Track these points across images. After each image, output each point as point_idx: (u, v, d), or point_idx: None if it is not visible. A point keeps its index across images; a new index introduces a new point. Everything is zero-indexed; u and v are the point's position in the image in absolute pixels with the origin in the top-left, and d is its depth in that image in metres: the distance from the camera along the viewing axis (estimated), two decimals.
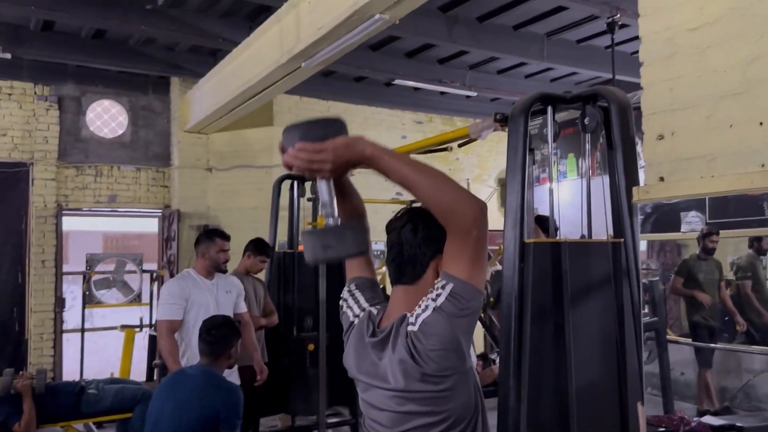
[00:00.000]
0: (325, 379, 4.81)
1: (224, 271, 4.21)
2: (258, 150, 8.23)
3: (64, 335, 7.75)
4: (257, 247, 4.91)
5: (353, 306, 1.64)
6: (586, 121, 2.86)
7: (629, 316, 2.71)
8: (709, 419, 4.22)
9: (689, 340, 7.40)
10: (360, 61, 7.31)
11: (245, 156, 8.21)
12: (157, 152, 8.32)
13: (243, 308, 4.34)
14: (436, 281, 1.42)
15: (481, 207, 1.37)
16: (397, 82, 7.97)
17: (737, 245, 8.90)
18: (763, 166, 2.00)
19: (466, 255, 1.37)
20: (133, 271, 7.93)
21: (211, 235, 4.14)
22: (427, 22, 6.25)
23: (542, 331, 2.70)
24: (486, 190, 9.73)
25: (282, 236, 5.59)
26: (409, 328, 1.40)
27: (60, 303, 7.67)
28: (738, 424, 4.24)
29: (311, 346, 4.87)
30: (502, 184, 9.25)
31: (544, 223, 5.05)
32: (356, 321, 1.60)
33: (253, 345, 4.43)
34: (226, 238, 4.11)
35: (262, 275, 5.16)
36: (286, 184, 5.46)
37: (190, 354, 3.76)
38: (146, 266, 8.03)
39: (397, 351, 1.42)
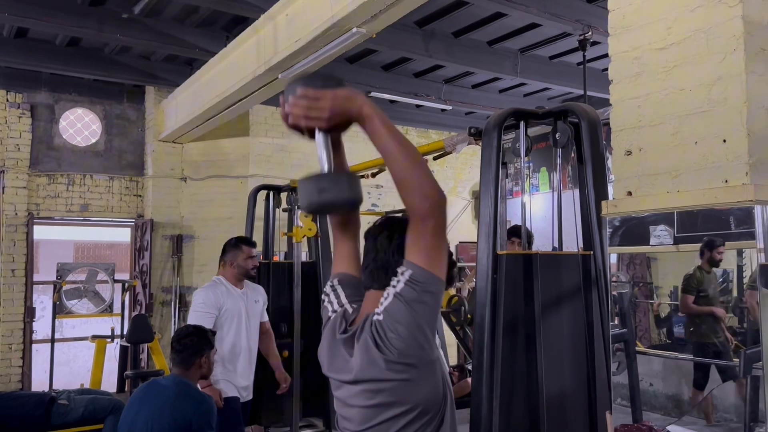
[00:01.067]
0: (299, 389, 4.80)
1: (253, 278, 4.19)
2: (234, 160, 8.21)
3: (34, 345, 7.61)
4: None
5: (333, 301, 1.65)
6: (557, 136, 2.93)
7: (598, 327, 2.77)
8: (675, 428, 4.30)
9: (658, 352, 7.51)
10: (337, 73, 7.32)
11: (220, 166, 8.19)
12: (131, 161, 8.25)
13: (266, 317, 4.36)
14: (398, 268, 1.44)
15: (442, 197, 1.40)
16: (373, 94, 7.98)
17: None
18: (726, 181, 2.06)
19: (424, 242, 1.39)
20: (105, 281, 7.82)
21: (237, 243, 4.07)
22: (403, 36, 6.32)
23: (514, 341, 2.75)
24: (460, 203, 9.82)
25: (258, 247, 5.56)
26: (374, 317, 1.42)
27: (30, 313, 7.54)
28: None
29: (285, 353, 4.84)
30: (476, 196, 9.34)
31: (519, 232, 5.10)
32: (332, 316, 1.62)
33: (274, 354, 4.45)
34: (252, 244, 4.05)
35: None
36: (262, 194, 5.45)
37: (221, 366, 3.75)
38: (118, 276, 7.93)
39: (362, 341, 1.44)
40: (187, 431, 2.99)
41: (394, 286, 1.42)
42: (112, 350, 6.84)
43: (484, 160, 2.87)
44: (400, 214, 1.54)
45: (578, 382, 2.82)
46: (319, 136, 1.44)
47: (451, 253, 1.67)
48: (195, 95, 6.92)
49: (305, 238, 4.98)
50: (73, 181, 7.89)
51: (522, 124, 2.96)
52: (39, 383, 7.52)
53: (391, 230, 1.57)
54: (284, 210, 5.51)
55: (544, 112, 2.98)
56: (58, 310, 7.60)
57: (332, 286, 1.69)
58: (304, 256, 5.11)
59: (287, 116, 1.42)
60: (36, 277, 7.84)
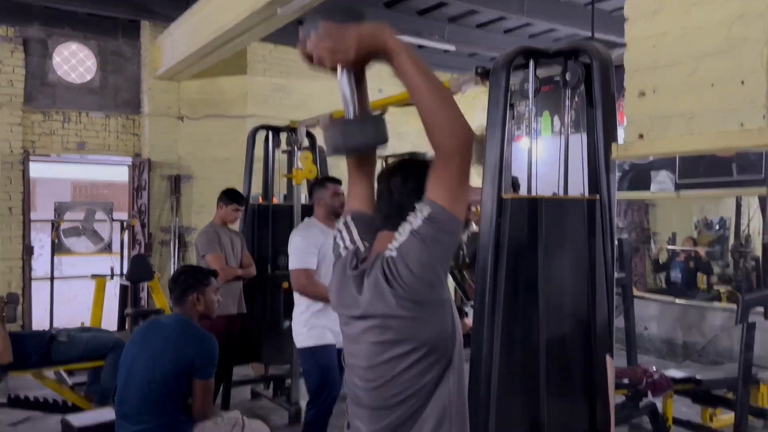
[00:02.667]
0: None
1: (339, 215, 4.17)
2: (231, 99, 8.08)
3: (33, 284, 7.63)
4: (228, 195, 4.84)
5: (345, 238, 1.59)
6: (567, 76, 2.85)
7: (602, 272, 2.75)
8: (672, 372, 4.36)
9: (655, 296, 7.58)
10: (357, 5, 7.15)
11: (218, 105, 8.05)
12: (127, 99, 8.10)
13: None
14: (417, 205, 1.39)
15: (471, 135, 1.34)
16: None
17: (702, 206, 9.05)
18: (742, 125, 2.01)
19: (447, 181, 1.34)
20: (104, 220, 7.83)
21: (323, 182, 4.02)
22: None
23: (516, 284, 2.73)
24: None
25: (257, 188, 5.53)
26: (387, 253, 1.39)
27: (28, 251, 7.53)
28: (697, 377, 4.39)
29: (285, 284, 4.83)
30: (477, 140, 9.22)
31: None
32: (344, 253, 1.57)
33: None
34: (337, 182, 3.98)
35: (236, 226, 5.12)
36: (261, 134, 5.37)
37: (318, 311, 3.67)
38: (116, 215, 7.93)
39: (372, 276, 1.41)
40: (188, 369, 3.01)
41: (411, 223, 1.37)
42: (112, 289, 6.88)
43: (491, 100, 2.79)
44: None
45: (578, 326, 2.82)
46: (342, 74, 1.39)
47: None
48: (191, 31, 6.75)
49: (305, 180, 4.92)
50: (68, 119, 7.76)
51: (531, 63, 2.87)
52: (39, 321, 7.57)
53: (405, 172, 1.53)
54: (284, 152, 5.43)
55: (555, 50, 2.88)
56: (57, 248, 7.62)
57: (345, 223, 1.62)
58: (303, 199, 5.06)
59: (308, 54, 1.36)
60: (33, 216, 7.82)
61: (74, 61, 7.86)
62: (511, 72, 2.77)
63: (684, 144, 2.16)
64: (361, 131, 1.40)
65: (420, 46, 8.31)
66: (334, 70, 1.38)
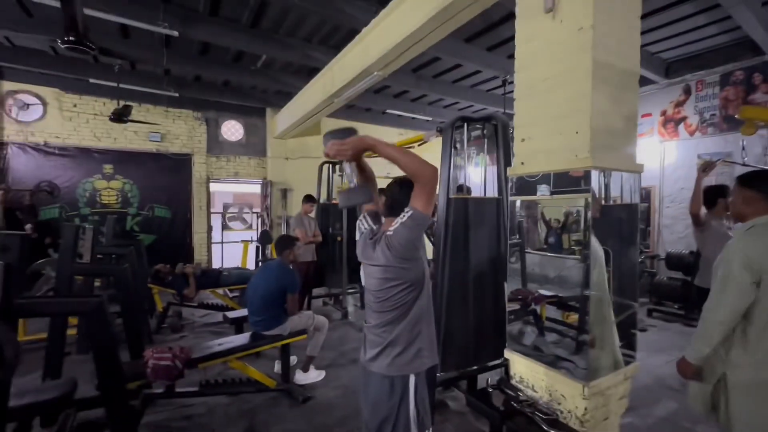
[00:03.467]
0: (346, 263, 4.80)
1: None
2: (312, 148, 8.02)
3: (213, 246, 7.70)
4: (307, 198, 4.85)
5: (363, 224, 1.60)
6: (485, 132, 2.75)
7: (503, 238, 2.67)
8: (544, 292, 4.23)
9: (538, 253, 7.34)
10: (367, 99, 7.07)
11: (305, 151, 8.02)
12: (259, 149, 8.09)
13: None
14: (404, 209, 1.38)
15: (434, 171, 1.34)
16: (388, 111, 7.74)
17: (568, 203, 8.77)
18: (576, 156, 1.91)
19: (423, 197, 1.33)
20: (248, 212, 7.87)
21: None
22: (404, 77, 6.01)
23: (456, 244, 2.67)
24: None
25: (323, 196, 5.49)
26: (388, 233, 1.38)
27: (209, 229, 7.60)
28: (559, 295, 4.27)
29: (339, 238, 4.84)
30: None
31: (462, 188, 4.98)
32: (365, 231, 1.56)
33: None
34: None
35: (312, 215, 5.08)
36: (325, 167, 5.32)
37: None
38: (254, 210, 7.93)
39: (381, 244, 1.41)
40: (284, 288, 3.00)
41: (402, 218, 1.36)
42: (251, 248, 6.91)
43: (443, 147, 2.71)
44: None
45: (490, 267, 2.74)
46: (346, 165, 1.43)
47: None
48: (290, 113, 6.73)
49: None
50: (229, 159, 7.79)
51: (465, 125, 2.78)
52: (216, 264, 7.66)
53: (401, 184, 1.52)
54: (339, 175, 5.39)
55: (479, 117, 2.79)
56: (224, 227, 7.68)
57: (363, 217, 1.63)
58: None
59: (328, 154, 1.40)
60: (212, 210, 7.86)
61: (232, 129, 7.87)
62: (454, 130, 2.69)
63: (545, 167, 2.06)
64: (356, 195, 1.42)
65: (412, 118, 8.18)
66: (341, 162, 1.42)
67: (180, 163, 7.28)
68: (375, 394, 1.40)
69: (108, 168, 6.63)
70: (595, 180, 1.96)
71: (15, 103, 5.91)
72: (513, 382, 2.25)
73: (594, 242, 2.03)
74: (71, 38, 2.58)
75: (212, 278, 4.67)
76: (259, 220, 7.89)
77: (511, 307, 2.70)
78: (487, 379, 2.63)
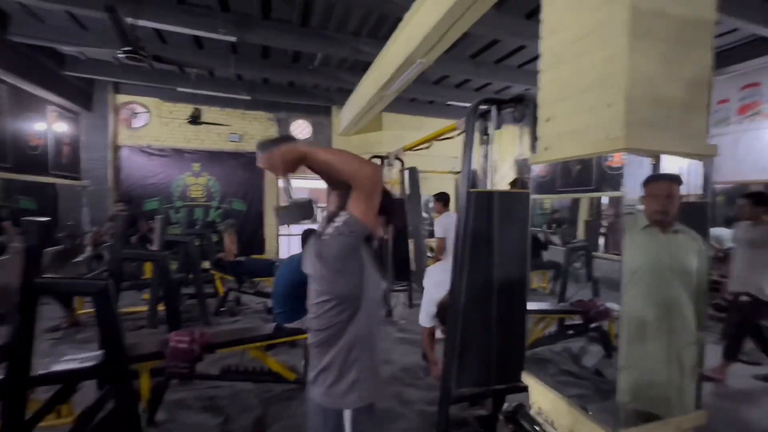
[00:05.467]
0: (392, 262, 4.64)
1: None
2: (373, 143, 7.99)
3: (280, 237, 8.15)
4: None
5: (323, 228, 1.42)
6: (516, 115, 2.34)
7: (526, 236, 2.24)
8: (612, 305, 3.53)
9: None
10: (428, 91, 6.78)
11: (367, 147, 8.00)
12: (325, 146, 8.36)
13: None
14: (340, 213, 1.19)
15: (373, 171, 1.12)
16: (451, 103, 7.34)
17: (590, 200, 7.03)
18: (608, 136, 1.47)
19: (362, 201, 1.13)
20: (318, 206, 8.15)
21: (443, 195, 3.84)
22: (462, 65, 5.59)
23: (477, 247, 2.32)
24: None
25: None
26: (323, 237, 1.19)
27: (278, 226, 8.07)
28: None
29: (385, 236, 4.69)
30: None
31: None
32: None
33: None
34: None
35: None
36: (377, 160, 5.21)
37: None
38: (320, 205, 8.21)
39: (311, 249, 1.23)
40: (304, 283, 2.96)
41: (335, 223, 1.16)
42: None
43: (466, 134, 2.38)
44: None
45: (520, 272, 2.34)
46: (282, 180, 1.24)
47: (384, 194, 1.34)
48: (349, 110, 6.78)
49: (398, 184, 4.68)
50: None
51: (494, 108, 2.40)
52: (285, 254, 8.11)
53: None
54: (388, 165, 5.23)
55: (509, 98, 2.38)
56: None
57: (331, 222, 1.45)
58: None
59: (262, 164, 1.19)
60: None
61: (300, 128, 8.23)
62: (475, 115, 2.33)
63: (570, 151, 1.64)
64: (294, 212, 1.23)
65: (463, 107, 7.60)
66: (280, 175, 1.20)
67: (255, 161, 7.83)
68: (312, 423, 1.22)
69: (196, 166, 7.47)
70: (638, 167, 1.49)
71: (126, 113, 6.98)
72: (531, 412, 1.86)
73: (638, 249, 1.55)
74: (127, 48, 2.86)
75: (265, 267, 4.91)
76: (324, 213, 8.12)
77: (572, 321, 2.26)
78: (503, 404, 2.24)
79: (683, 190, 1.67)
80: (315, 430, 1.20)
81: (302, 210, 1.22)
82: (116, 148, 7.01)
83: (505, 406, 2.02)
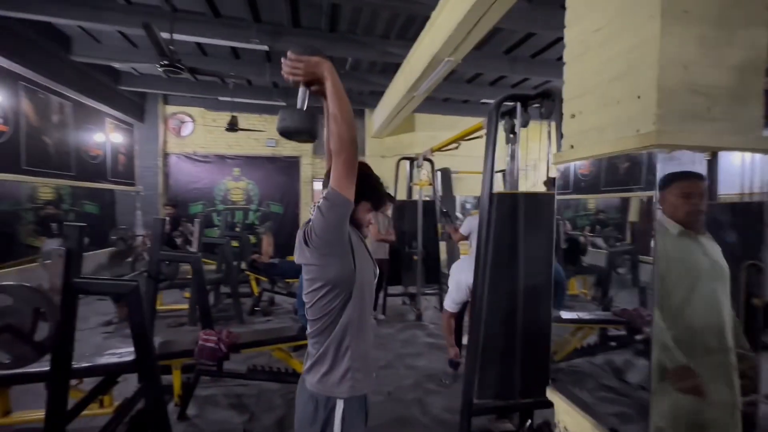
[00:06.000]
0: (422, 268, 4.57)
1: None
2: (406, 145, 7.95)
3: None
4: (388, 198, 4.73)
5: (311, 213, 1.40)
6: (542, 111, 2.20)
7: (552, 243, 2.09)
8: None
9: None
10: (462, 90, 6.62)
11: (401, 149, 7.98)
12: (360, 149, 8.42)
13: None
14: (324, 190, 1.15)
15: (352, 141, 1.08)
16: (485, 101, 7.12)
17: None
18: (638, 131, 1.32)
19: (338, 172, 1.08)
20: None
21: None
22: (496, 61, 5.40)
23: (500, 251, 2.20)
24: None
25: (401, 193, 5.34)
26: (310, 223, 1.16)
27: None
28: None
29: (415, 257, 4.64)
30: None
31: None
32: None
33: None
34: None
35: (389, 212, 4.99)
36: (403, 163, 5.16)
37: None
38: None
39: (298, 237, 1.20)
40: None
41: (319, 202, 1.14)
42: None
43: (488, 133, 2.27)
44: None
45: (544, 276, 2.18)
46: (301, 88, 1.18)
47: (367, 176, 1.28)
48: (381, 112, 6.78)
49: (428, 186, 4.61)
50: None
51: (518, 104, 2.27)
52: None
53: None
54: (418, 166, 5.15)
55: (535, 94, 2.24)
56: None
57: (315, 204, 1.43)
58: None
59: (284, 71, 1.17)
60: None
61: None
62: (499, 113, 2.21)
63: (596, 149, 1.49)
64: (295, 118, 1.16)
65: (482, 102, 7.32)
66: (297, 85, 1.18)
67: (290, 165, 8.09)
68: (300, 413, 1.20)
69: (236, 171, 7.83)
70: (670, 164, 1.33)
71: (174, 123, 7.46)
72: (557, 431, 1.73)
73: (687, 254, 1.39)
74: (164, 62, 3.04)
75: (298, 269, 5.01)
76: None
77: (617, 332, 2.09)
78: (529, 420, 2.10)
79: (736, 188, 1.46)
80: (305, 418, 1.18)
81: (304, 119, 1.15)
82: (165, 156, 7.52)
83: (530, 422, 1.89)
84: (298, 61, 1.12)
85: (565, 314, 3.36)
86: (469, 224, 3.69)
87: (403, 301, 5.41)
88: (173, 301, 5.08)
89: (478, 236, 2.27)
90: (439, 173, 5.56)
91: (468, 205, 10.68)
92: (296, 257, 1.22)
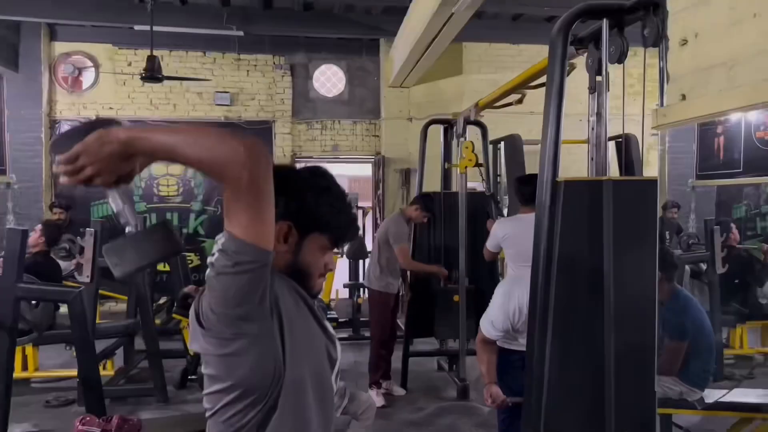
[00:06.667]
0: (465, 321, 4.57)
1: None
2: (450, 99, 7.91)
3: None
4: (421, 200, 4.70)
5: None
6: (646, 32, 2.10)
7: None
8: None
9: None
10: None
11: (439, 105, 7.93)
12: (370, 107, 8.49)
13: None
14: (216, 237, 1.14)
15: (247, 147, 1.02)
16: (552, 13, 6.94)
17: None
18: None
19: (237, 211, 1.06)
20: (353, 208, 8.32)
21: None
22: None
23: (573, 279, 2.15)
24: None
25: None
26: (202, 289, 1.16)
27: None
28: None
29: (456, 297, 4.60)
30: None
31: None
32: None
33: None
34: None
35: None
36: (435, 128, 5.13)
37: None
38: (360, 204, 8.36)
39: (191, 313, 1.18)
40: None
41: (212, 256, 1.13)
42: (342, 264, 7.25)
43: (548, 72, 2.22)
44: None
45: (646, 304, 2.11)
46: (110, 192, 1.15)
47: (321, 191, 1.27)
48: (405, 40, 6.78)
49: (476, 168, 4.55)
50: (325, 127, 8.44)
51: (605, 22, 2.19)
52: None
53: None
54: (462, 138, 5.08)
55: (631, 5, 2.15)
56: None
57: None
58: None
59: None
60: None
61: (329, 79, 8.48)
62: (567, 35, 2.15)
63: (724, 102, 1.41)
64: (130, 250, 1.15)
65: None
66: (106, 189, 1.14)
67: (257, 135, 8.23)
68: None
69: None
70: None
71: (67, 70, 7.78)
72: None
73: None
74: None
75: None
76: (368, 218, 8.23)
77: None
78: None
79: None
80: None
81: (145, 247, 1.14)
82: (53, 124, 7.85)
83: None
84: (74, 160, 1.05)
85: (718, 395, 3.26)
86: (502, 232, 3.63)
87: (438, 364, 5.40)
88: (59, 364, 5.28)
89: (534, 252, 2.22)
90: (501, 145, 5.48)
91: None
92: (190, 342, 1.22)
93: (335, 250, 1.35)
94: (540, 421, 2.14)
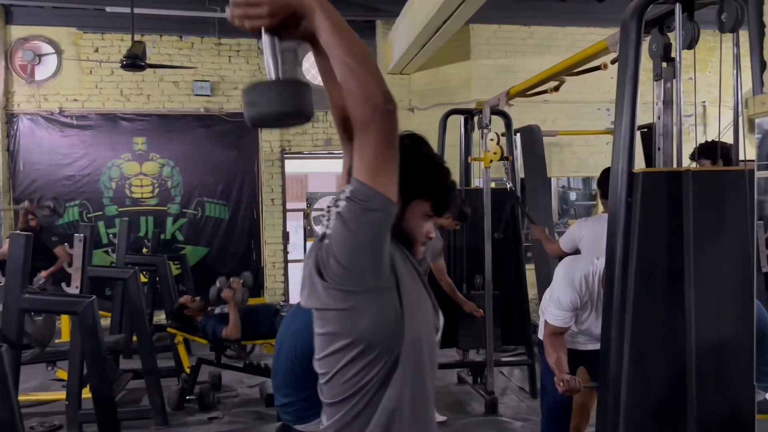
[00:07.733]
0: (492, 333, 4.72)
1: None
2: (456, 86, 8.06)
3: (289, 265, 8.49)
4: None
5: (325, 224, 1.51)
6: (724, 17, 2.27)
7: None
8: None
9: None
10: None
11: (444, 93, 8.07)
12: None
13: None
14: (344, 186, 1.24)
15: (388, 102, 1.16)
16: None
17: None
18: None
19: (367, 155, 1.17)
20: None
21: None
22: None
23: (651, 277, 2.28)
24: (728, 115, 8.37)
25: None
26: (324, 240, 1.24)
27: (286, 237, 8.41)
28: None
29: (480, 312, 4.71)
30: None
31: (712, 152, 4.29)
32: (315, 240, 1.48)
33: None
34: None
35: None
36: (453, 119, 5.27)
37: None
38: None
39: (306, 267, 1.28)
40: None
41: (336, 205, 1.23)
42: None
43: (621, 58, 2.37)
44: None
45: (743, 328, 2.25)
46: (265, 37, 1.24)
47: (423, 157, 1.39)
48: (409, 23, 6.88)
49: (498, 162, 4.70)
50: (317, 118, 8.46)
51: (678, 6, 2.34)
52: (296, 297, 8.46)
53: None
54: (486, 129, 5.20)
55: None
56: (308, 234, 8.42)
57: (329, 206, 1.53)
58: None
59: (232, 18, 1.23)
60: (288, 205, 8.61)
61: (308, 65, 8.51)
62: (641, 22, 2.30)
63: None
64: (263, 98, 1.21)
65: None
66: (256, 33, 1.23)
67: (240, 130, 8.29)
68: None
69: (140, 142, 8.08)
70: None
71: (25, 56, 7.75)
72: None
73: None
74: None
75: (263, 321, 5.10)
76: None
77: None
78: None
79: None
80: None
81: (286, 96, 1.21)
82: (9, 118, 7.80)
83: None
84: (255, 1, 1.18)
85: None
86: (578, 233, 3.77)
87: (459, 377, 5.50)
88: (35, 387, 5.28)
89: (609, 245, 2.35)
90: (518, 136, 5.64)
91: (573, 195, 10.51)
92: (303, 298, 1.31)
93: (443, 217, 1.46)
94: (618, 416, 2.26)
